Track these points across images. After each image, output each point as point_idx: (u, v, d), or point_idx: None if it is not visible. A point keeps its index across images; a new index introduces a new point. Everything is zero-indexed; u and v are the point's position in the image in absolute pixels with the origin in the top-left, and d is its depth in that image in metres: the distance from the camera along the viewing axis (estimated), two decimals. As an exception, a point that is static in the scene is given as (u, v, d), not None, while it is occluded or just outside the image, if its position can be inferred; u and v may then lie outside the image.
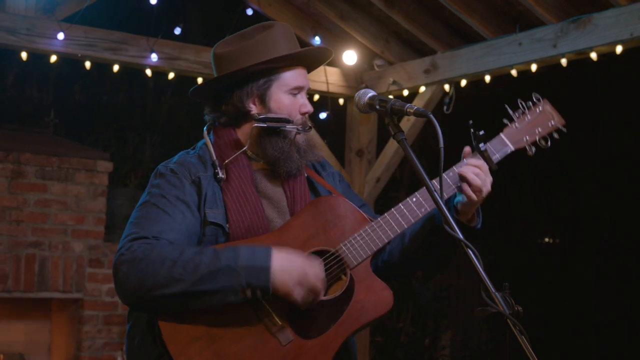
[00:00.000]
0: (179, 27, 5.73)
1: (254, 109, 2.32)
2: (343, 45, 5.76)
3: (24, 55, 4.94)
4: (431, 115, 1.93)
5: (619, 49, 4.42)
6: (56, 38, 4.85)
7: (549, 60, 4.77)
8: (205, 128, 2.41)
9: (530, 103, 2.37)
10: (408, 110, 2.00)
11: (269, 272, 2.07)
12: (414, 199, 2.25)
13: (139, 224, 2.20)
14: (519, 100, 2.37)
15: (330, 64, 5.84)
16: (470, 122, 2.22)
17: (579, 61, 4.75)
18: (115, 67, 5.20)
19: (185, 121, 7.32)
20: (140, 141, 7.11)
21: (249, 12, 5.69)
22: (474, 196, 2.19)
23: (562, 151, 7.97)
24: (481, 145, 2.23)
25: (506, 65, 4.93)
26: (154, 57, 5.11)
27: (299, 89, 2.36)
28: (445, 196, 2.24)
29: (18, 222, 5.45)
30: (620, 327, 7.70)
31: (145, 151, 7.09)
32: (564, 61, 4.69)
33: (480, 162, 2.22)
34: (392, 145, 5.81)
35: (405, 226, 2.24)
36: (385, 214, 2.25)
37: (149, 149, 7.09)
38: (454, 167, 2.27)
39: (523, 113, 2.36)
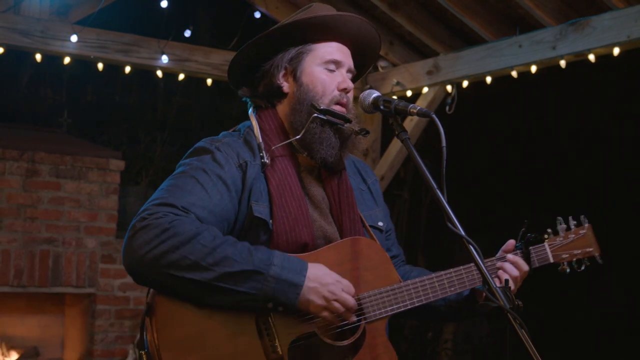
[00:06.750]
0: (189, 29, 5.80)
1: (285, 86, 2.15)
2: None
3: (38, 57, 5.01)
4: (434, 115, 1.95)
5: (616, 50, 4.48)
6: (69, 40, 4.92)
7: (549, 61, 4.83)
8: (250, 110, 2.19)
9: (575, 222, 2.45)
10: (411, 110, 2.00)
11: (300, 290, 1.90)
12: (448, 276, 2.18)
13: (170, 191, 1.93)
14: (570, 218, 2.44)
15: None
16: (525, 221, 2.28)
17: (578, 63, 4.80)
18: (127, 69, 5.27)
19: (195, 121, 7.39)
20: (151, 140, 7.14)
21: (257, 15, 5.77)
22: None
23: (562, 150, 8.07)
24: (530, 249, 2.32)
25: (507, 67, 4.98)
26: (164, 58, 5.19)
27: (336, 63, 2.15)
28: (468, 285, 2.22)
29: (32, 219, 5.51)
30: (620, 323, 7.77)
31: (156, 150, 7.15)
32: (562, 63, 4.75)
33: (525, 267, 2.28)
34: (395, 145, 5.88)
35: (433, 299, 2.15)
36: (417, 280, 2.14)
37: (159, 148, 7.14)
38: (494, 260, 2.30)
39: (567, 230, 2.44)
